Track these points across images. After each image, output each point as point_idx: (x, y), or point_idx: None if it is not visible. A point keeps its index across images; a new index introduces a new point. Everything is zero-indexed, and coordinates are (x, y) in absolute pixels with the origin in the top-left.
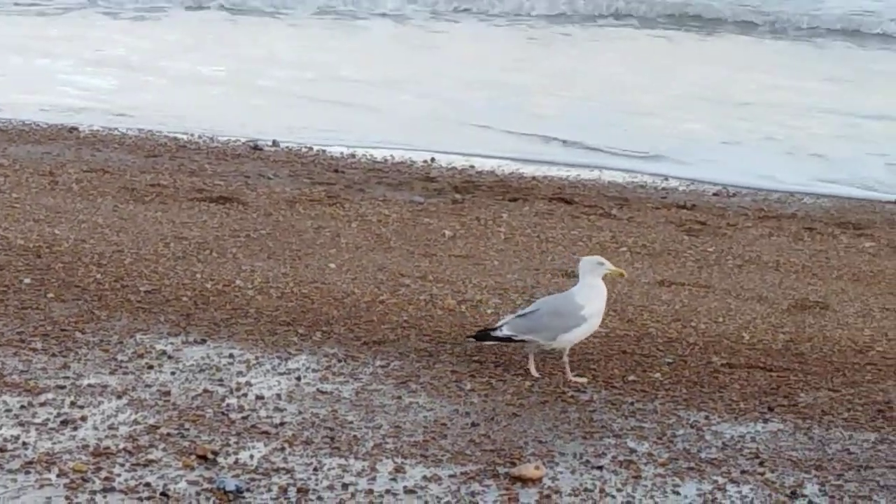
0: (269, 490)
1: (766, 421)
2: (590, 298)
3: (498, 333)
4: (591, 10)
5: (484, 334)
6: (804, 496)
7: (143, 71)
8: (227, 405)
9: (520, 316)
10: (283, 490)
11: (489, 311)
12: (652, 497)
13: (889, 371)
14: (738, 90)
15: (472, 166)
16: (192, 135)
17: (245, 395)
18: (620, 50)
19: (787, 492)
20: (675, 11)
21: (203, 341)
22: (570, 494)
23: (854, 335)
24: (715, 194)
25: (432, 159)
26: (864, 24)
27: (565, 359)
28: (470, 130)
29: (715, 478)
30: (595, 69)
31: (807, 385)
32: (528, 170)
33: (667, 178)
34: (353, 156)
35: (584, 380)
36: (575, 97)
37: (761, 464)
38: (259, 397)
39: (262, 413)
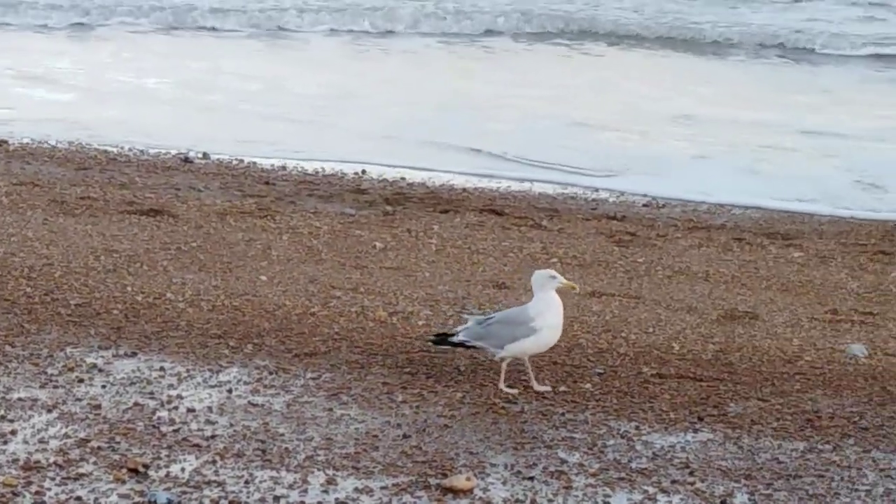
0: (201, 503)
1: (695, 431)
2: (541, 311)
3: (454, 339)
4: (515, 27)
5: (442, 338)
6: None
7: (73, 84)
8: (158, 418)
9: (479, 323)
10: (215, 503)
11: (420, 323)
12: None
13: (817, 380)
14: (670, 105)
15: (403, 178)
16: (122, 147)
17: (176, 407)
18: (561, 65)
19: (717, 501)
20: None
21: (134, 354)
22: None
23: (783, 345)
24: (645, 205)
25: (363, 171)
26: (790, 39)
27: (503, 366)
28: (402, 144)
29: (645, 487)
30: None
31: (736, 395)
32: (459, 181)
33: (597, 190)
34: (283, 168)
35: (514, 391)
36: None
37: (691, 473)
38: (190, 410)
39: (194, 426)
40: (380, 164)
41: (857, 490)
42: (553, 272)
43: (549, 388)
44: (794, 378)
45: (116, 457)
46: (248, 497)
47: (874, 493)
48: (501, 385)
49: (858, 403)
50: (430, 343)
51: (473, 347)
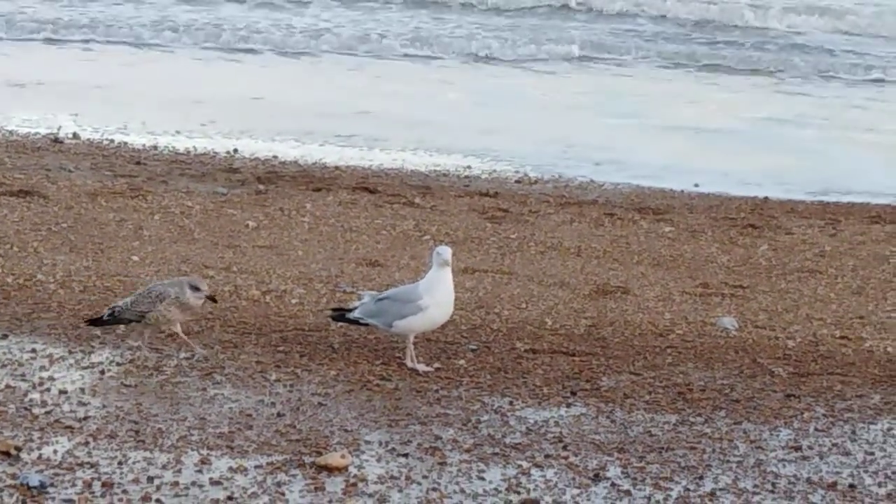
0: (74, 485)
1: (569, 405)
2: (430, 289)
3: (350, 315)
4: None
5: (340, 314)
6: (607, 478)
7: None
8: (30, 400)
9: (374, 300)
10: (88, 484)
11: (294, 301)
12: (457, 483)
13: (689, 354)
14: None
15: (276, 157)
16: None
17: (48, 389)
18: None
19: (591, 474)
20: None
21: (4, 336)
22: (376, 482)
23: (654, 319)
24: (517, 181)
25: (235, 150)
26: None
27: (409, 346)
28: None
29: (519, 462)
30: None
31: (609, 369)
32: (332, 159)
33: (469, 167)
34: (155, 147)
35: (429, 368)
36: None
37: (565, 447)
38: (62, 392)
39: (66, 407)
40: (254, 139)
41: (728, 461)
42: (446, 248)
43: (428, 368)
44: (666, 351)
45: None
46: (121, 478)
47: (745, 464)
48: (407, 362)
49: (729, 376)
50: (329, 318)
51: (367, 325)
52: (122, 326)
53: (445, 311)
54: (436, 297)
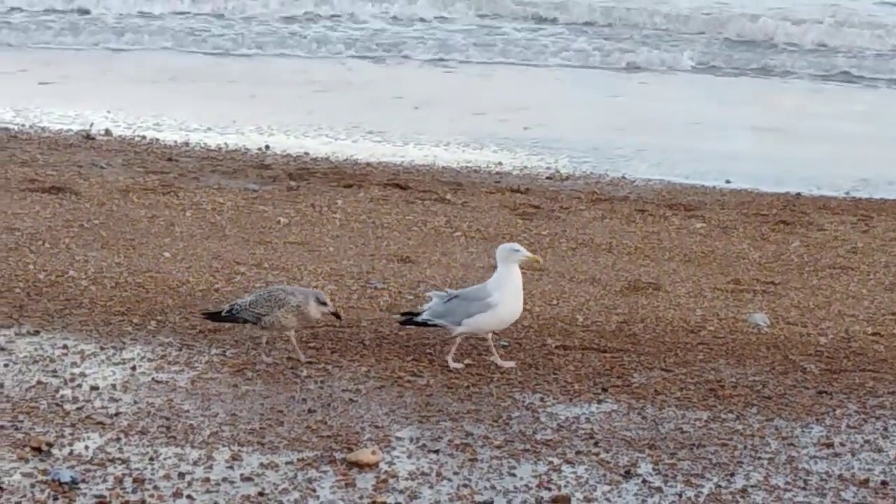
0: (105, 480)
1: (600, 402)
2: (499, 285)
3: (418, 318)
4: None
5: (408, 318)
6: (638, 475)
7: None
8: (62, 396)
9: (442, 301)
10: (119, 480)
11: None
12: (488, 479)
13: (720, 350)
14: None
15: (307, 153)
16: (23, 125)
17: (79, 385)
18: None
19: (622, 471)
20: None
21: (36, 332)
22: (406, 478)
23: (686, 315)
24: (548, 178)
25: (267, 147)
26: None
27: (489, 343)
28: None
29: (550, 459)
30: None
31: (640, 365)
32: (363, 156)
33: (500, 163)
34: (186, 144)
35: (460, 365)
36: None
37: (596, 444)
38: (94, 388)
39: (97, 403)
40: (287, 133)
41: (759, 458)
42: (516, 245)
43: (513, 365)
44: (697, 348)
45: (20, 435)
46: (152, 474)
47: (777, 460)
48: (449, 359)
49: (761, 372)
50: (398, 323)
51: (436, 326)
52: (236, 324)
53: (515, 308)
54: (505, 294)
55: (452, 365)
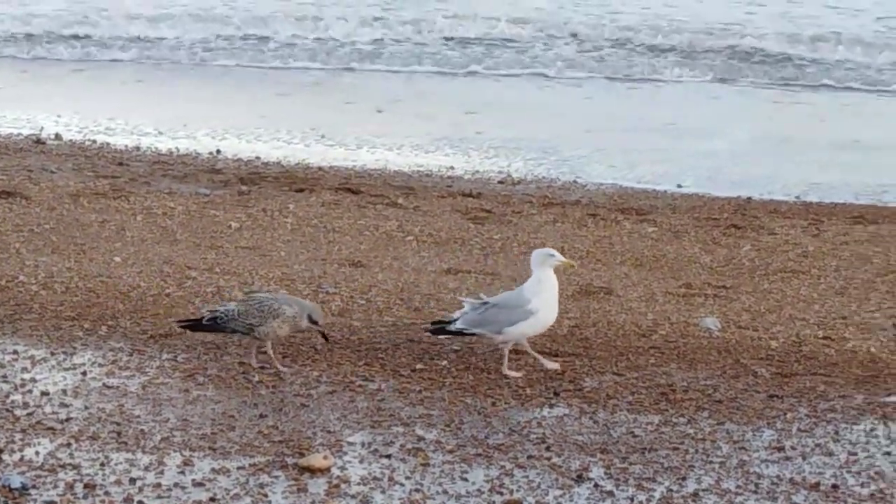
0: (56, 486)
1: (552, 406)
2: (537, 292)
3: (452, 328)
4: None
5: (440, 328)
6: (590, 479)
7: None
8: (12, 402)
9: (474, 309)
10: (70, 486)
11: None
12: (440, 484)
13: (672, 354)
14: None
15: (258, 157)
16: None
17: (30, 391)
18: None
19: (574, 475)
20: None
21: None
22: (358, 483)
23: (637, 319)
24: (500, 182)
25: (218, 151)
26: None
27: (505, 351)
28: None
29: (502, 463)
30: None
31: (592, 370)
32: (315, 160)
33: (452, 168)
34: (137, 148)
35: (519, 374)
36: None
37: (548, 448)
38: (44, 393)
39: (48, 409)
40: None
41: (711, 462)
42: (552, 250)
43: (518, 374)
44: (649, 352)
45: None
46: (103, 479)
47: (728, 464)
48: (505, 370)
49: (712, 376)
50: (427, 333)
51: (472, 335)
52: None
53: (553, 313)
54: (544, 300)
55: (512, 374)
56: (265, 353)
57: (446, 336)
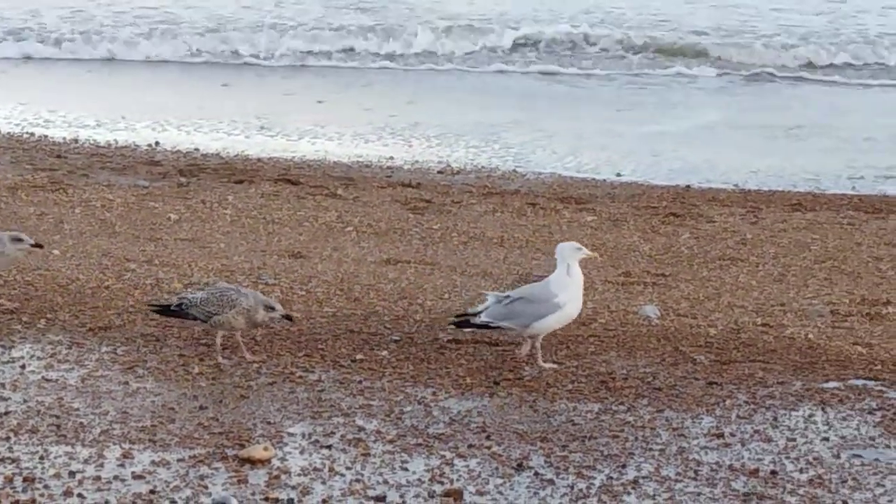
0: None
1: (492, 395)
2: (564, 286)
3: (477, 320)
4: None
5: (464, 321)
6: (530, 468)
7: None
8: None
9: (498, 303)
10: (9, 480)
11: None
12: (381, 474)
13: (611, 342)
14: None
15: (198, 149)
16: None
17: None
18: None
19: (514, 464)
20: None
21: None
22: (299, 474)
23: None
24: (439, 172)
25: (157, 143)
26: None
27: (537, 345)
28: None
29: (443, 453)
30: None
31: (531, 358)
32: (254, 151)
33: (392, 158)
34: (76, 141)
35: (555, 366)
36: None
37: (488, 437)
38: None
39: None
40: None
41: (650, 449)
42: (577, 244)
43: (554, 365)
44: (589, 340)
45: None
46: (42, 473)
47: (667, 451)
48: (540, 362)
49: (651, 364)
50: (451, 326)
51: (498, 328)
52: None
53: (579, 306)
54: (570, 293)
55: (546, 366)
56: (238, 343)
57: (470, 329)
